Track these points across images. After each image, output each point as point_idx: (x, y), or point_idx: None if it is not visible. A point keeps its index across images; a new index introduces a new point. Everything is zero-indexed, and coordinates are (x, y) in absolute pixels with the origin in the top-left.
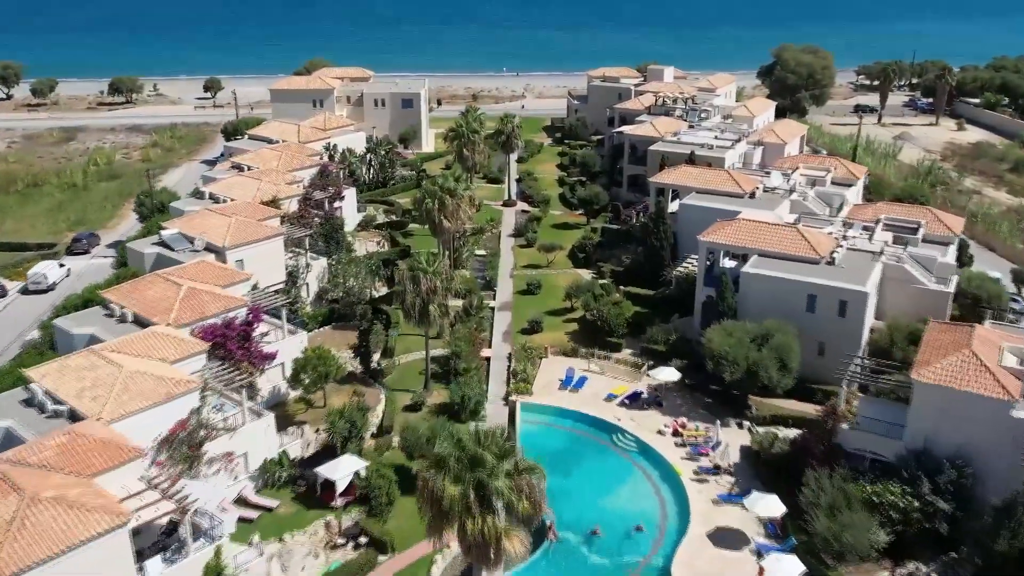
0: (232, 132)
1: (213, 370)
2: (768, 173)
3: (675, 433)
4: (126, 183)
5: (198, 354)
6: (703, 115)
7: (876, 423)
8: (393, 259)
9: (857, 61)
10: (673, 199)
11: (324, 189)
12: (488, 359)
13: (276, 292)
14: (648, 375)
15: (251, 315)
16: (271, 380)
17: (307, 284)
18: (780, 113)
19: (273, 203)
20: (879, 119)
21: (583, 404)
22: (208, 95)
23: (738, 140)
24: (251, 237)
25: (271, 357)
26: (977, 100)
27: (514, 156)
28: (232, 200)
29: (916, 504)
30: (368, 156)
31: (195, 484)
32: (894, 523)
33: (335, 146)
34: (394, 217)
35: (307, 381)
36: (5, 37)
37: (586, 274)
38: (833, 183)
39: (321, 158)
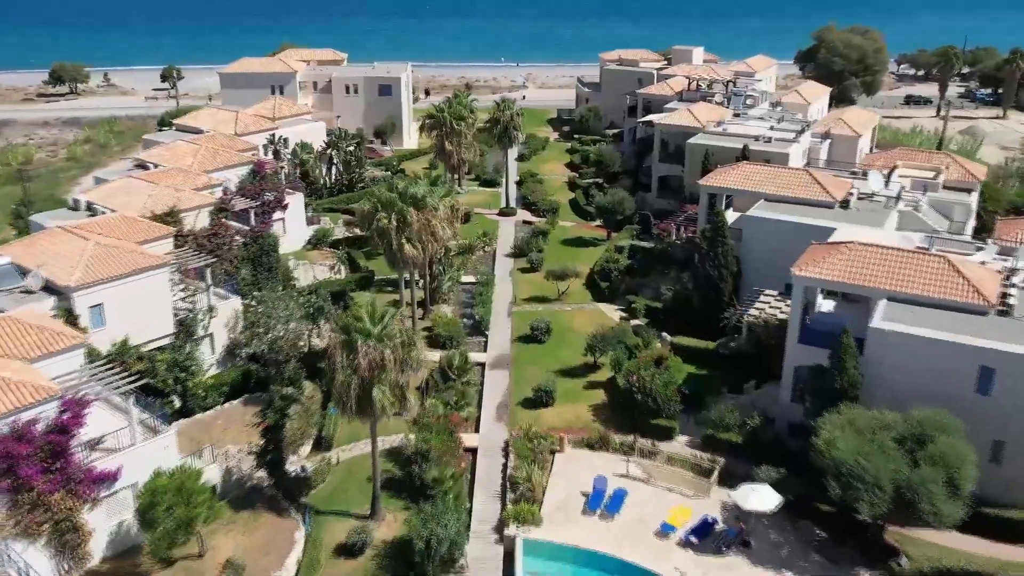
0: (169, 123)
1: None
2: (859, 174)
3: None
4: (38, 187)
5: None
6: (748, 101)
7: None
8: (349, 290)
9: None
10: (726, 207)
11: (256, 195)
12: (474, 452)
13: (125, 364)
14: (728, 495)
15: (68, 411)
16: (115, 512)
17: (211, 336)
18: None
19: (171, 216)
20: (937, 111)
21: (623, 542)
22: (166, 85)
23: (802, 131)
24: (115, 270)
25: (108, 479)
26: None
27: (513, 153)
28: (113, 211)
29: None
30: (329, 152)
31: None
32: None
33: (284, 139)
34: (357, 231)
35: (158, 531)
36: None
37: (611, 311)
38: (944, 187)
39: (256, 154)
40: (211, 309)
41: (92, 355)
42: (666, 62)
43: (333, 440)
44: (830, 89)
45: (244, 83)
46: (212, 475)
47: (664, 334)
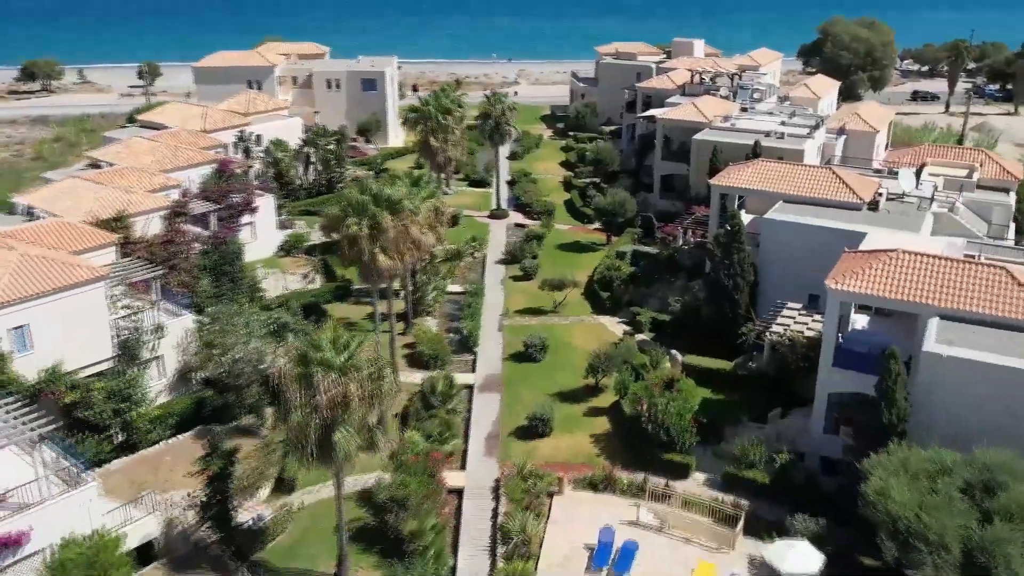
0: (136, 120)
1: None
2: (884, 172)
3: None
4: None
5: None
6: (756, 95)
7: None
8: (324, 302)
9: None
10: (737, 208)
11: (221, 197)
12: (460, 494)
13: (56, 394)
14: (760, 551)
15: None
16: None
17: (159, 359)
18: None
19: (118, 221)
20: (947, 107)
21: None
22: (143, 82)
23: (816, 126)
24: (43, 286)
25: (12, 544)
26: None
27: (505, 150)
28: (55, 216)
29: None
30: (306, 150)
31: None
32: None
33: (256, 136)
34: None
35: None
36: None
37: (613, 324)
38: (978, 187)
39: (221, 152)
40: (159, 328)
41: (10, 387)
42: (665, 56)
43: (297, 481)
44: (839, 83)
45: (219, 78)
46: (151, 528)
47: (674, 352)
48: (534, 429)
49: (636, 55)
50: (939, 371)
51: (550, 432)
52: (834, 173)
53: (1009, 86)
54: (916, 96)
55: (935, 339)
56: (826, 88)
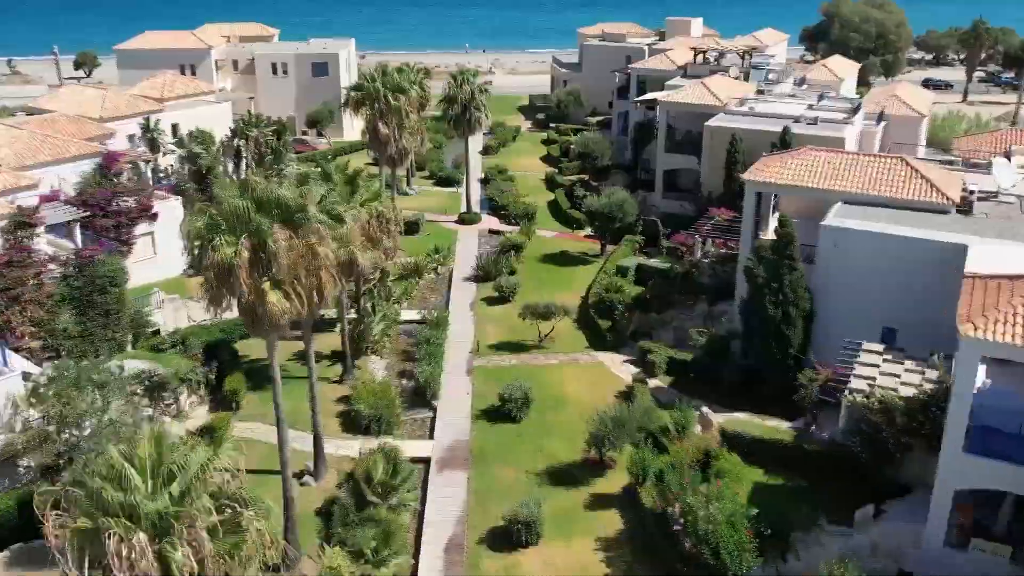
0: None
1: None
2: (957, 163)
3: None
4: None
5: None
6: (771, 76)
7: None
8: (237, 338)
9: None
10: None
11: (105, 202)
12: None
13: None
14: None
15: None
16: None
17: None
18: None
19: None
20: (964, 95)
21: None
22: (82, 73)
23: (855, 110)
24: None
25: None
26: None
27: (476, 143)
28: None
29: None
30: (236, 142)
31: None
32: None
33: (173, 125)
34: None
35: None
36: None
37: (617, 365)
38: None
39: (107, 143)
40: None
41: None
42: (657, 37)
43: None
44: (859, 65)
45: (146, 62)
46: None
47: (705, 409)
48: (515, 536)
49: (625, 36)
50: None
51: (537, 539)
52: (909, 165)
53: None
54: (928, 84)
55: None
56: (847, 70)
